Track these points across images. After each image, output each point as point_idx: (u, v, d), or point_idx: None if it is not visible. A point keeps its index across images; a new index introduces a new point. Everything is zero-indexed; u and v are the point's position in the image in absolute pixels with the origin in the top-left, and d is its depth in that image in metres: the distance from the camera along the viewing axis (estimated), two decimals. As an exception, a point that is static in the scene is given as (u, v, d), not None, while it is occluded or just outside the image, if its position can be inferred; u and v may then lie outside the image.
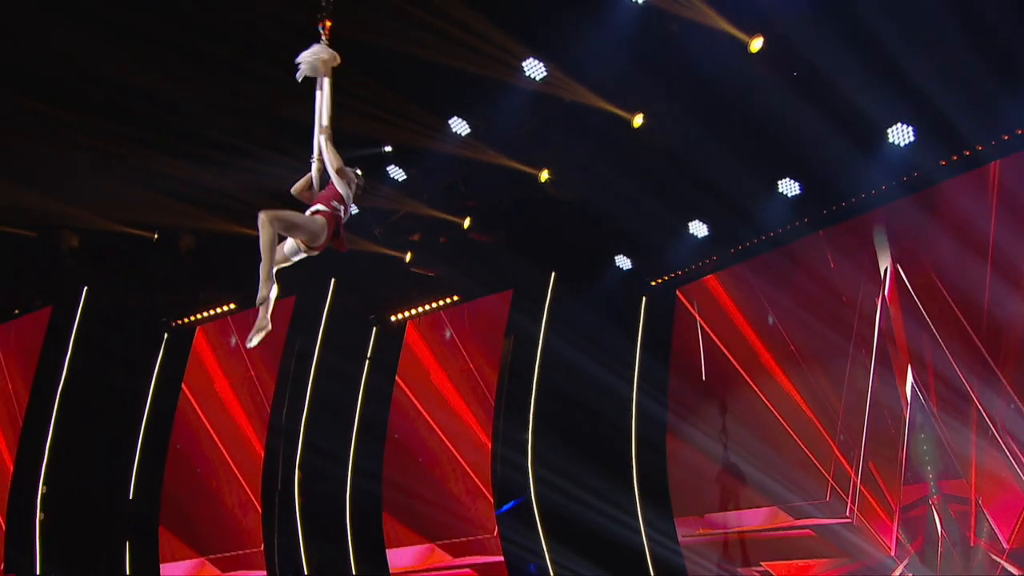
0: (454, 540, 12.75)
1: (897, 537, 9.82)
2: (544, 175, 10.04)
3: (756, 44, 7.72)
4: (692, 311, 12.38)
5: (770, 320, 11.42)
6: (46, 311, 12.73)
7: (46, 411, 12.35)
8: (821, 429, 10.66)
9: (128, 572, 12.63)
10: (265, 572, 12.45)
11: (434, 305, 13.07)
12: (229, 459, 12.90)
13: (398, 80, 9.06)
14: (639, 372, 12.68)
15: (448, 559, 12.79)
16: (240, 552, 12.65)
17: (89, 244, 12.45)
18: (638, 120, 8.79)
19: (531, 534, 11.99)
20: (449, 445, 12.91)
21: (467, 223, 11.12)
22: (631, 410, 12.56)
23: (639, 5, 7.78)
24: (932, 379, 9.61)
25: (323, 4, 5.37)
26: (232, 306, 13.17)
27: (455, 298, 12.92)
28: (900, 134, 9.33)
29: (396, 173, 11.05)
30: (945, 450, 9.45)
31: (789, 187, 10.52)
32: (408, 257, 12.11)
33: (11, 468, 12.30)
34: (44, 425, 12.29)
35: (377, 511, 13.02)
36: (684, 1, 7.22)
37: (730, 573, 11.31)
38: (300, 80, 5.41)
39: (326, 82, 5.24)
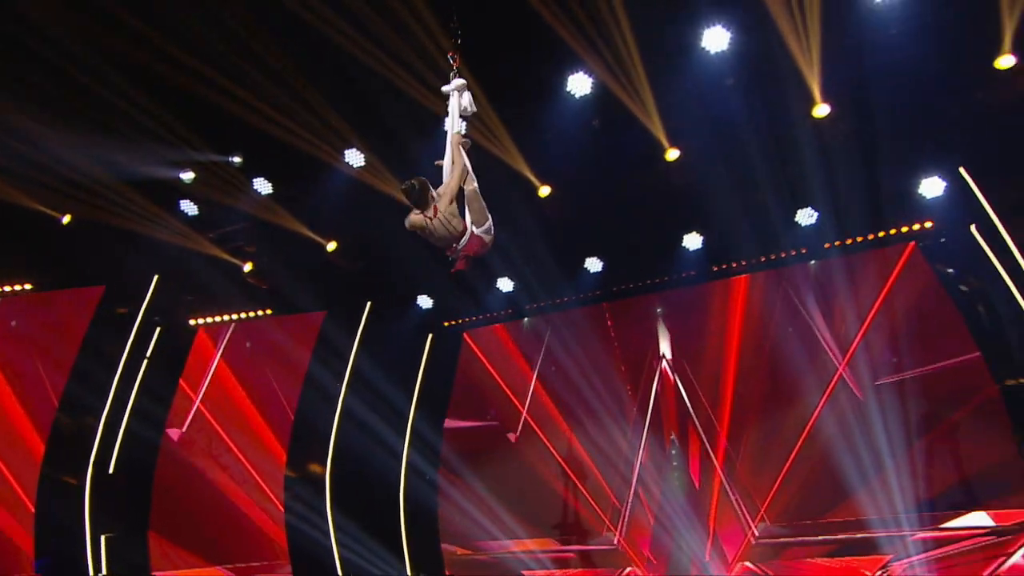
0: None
1: (648, 556, 11.04)
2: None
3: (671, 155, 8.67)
4: (478, 353, 12.84)
5: (552, 370, 12.29)
6: None
7: None
8: (593, 467, 11.67)
9: None
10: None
11: (245, 315, 11.94)
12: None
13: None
14: (418, 399, 12.75)
15: None
16: None
17: None
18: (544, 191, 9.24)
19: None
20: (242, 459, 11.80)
21: (331, 247, 10.54)
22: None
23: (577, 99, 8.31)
24: (689, 433, 11.13)
25: (454, 41, 5.18)
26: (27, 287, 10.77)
27: (268, 311, 11.93)
28: (692, 240, 10.84)
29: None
30: (693, 488, 10.94)
31: (594, 264, 11.54)
32: (248, 267, 10.99)
33: None
34: None
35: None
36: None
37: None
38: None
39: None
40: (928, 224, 9.60)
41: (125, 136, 9.41)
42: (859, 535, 9.49)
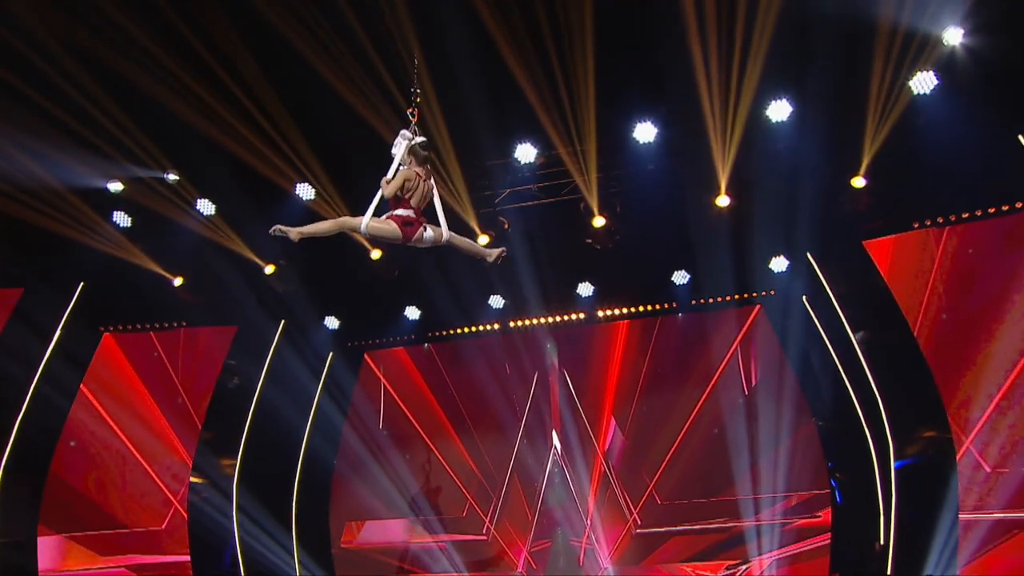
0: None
1: (526, 551, 12.19)
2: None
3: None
4: (378, 373, 13.48)
5: (448, 391, 13.18)
6: None
7: None
8: (476, 472, 12.68)
9: None
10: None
11: (159, 325, 11.82)
12: None
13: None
14: (316, 412, 13.17)
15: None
16: None
17: None
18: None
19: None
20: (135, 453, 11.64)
21: (269, 270, 10.86)
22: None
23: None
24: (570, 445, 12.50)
25: (413, 100, 5.96)
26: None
27: (184, 323, 11.90)
28: (584, 288, 12.31)
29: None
30: (572, 496, 12.26)
31: (497, 301, 12.67)
32: (178, 281, 10.99)
33: None
34: None
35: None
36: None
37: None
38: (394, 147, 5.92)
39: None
40: (772, 292, 11.75)
41: (65, 139, 9.30)
42: (728, 524, 11.35)
